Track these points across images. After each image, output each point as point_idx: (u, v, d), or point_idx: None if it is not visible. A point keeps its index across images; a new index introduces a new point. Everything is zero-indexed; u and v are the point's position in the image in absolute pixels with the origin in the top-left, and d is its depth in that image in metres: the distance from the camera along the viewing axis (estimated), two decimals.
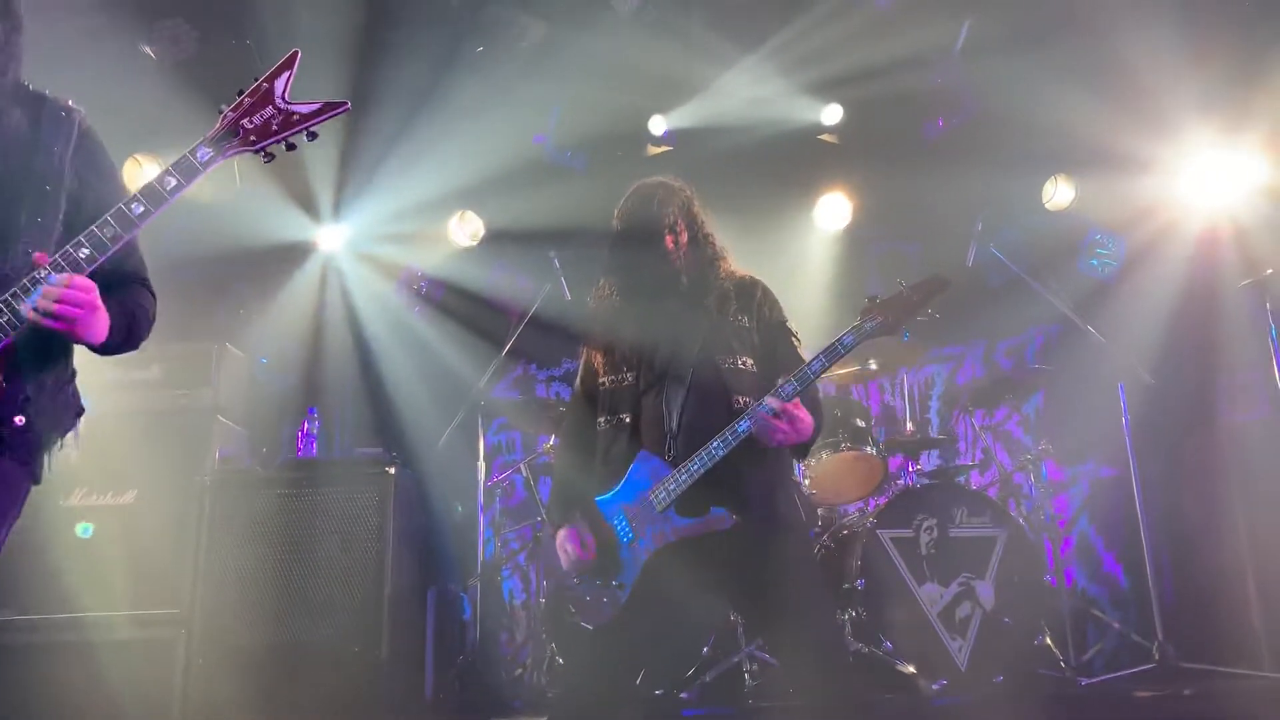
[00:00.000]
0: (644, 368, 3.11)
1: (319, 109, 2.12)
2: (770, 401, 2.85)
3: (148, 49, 5.03)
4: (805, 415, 2.91)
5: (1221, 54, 5.05)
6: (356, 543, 4.44)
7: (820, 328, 4.70)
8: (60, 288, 1.91)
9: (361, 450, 5.43)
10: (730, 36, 5.38)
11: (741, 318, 3.11)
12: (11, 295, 1.91)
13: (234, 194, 5.52)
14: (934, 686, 4.20)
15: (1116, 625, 5.08)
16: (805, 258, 6.28)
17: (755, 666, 4.23)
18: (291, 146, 2.13)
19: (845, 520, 4.88)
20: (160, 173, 2.06)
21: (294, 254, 6.25)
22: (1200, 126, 5.35)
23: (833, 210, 6.26)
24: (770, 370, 3.03)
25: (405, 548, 4.60)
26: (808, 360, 2.99)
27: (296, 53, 2.14)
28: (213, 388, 4.71)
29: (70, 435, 2.17)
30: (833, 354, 2.93)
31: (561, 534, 3.13)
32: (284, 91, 2.10)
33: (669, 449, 3.03)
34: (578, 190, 5.81)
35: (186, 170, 2.05)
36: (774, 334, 3.14)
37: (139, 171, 5.21)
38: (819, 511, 5.02)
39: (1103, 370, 5.21)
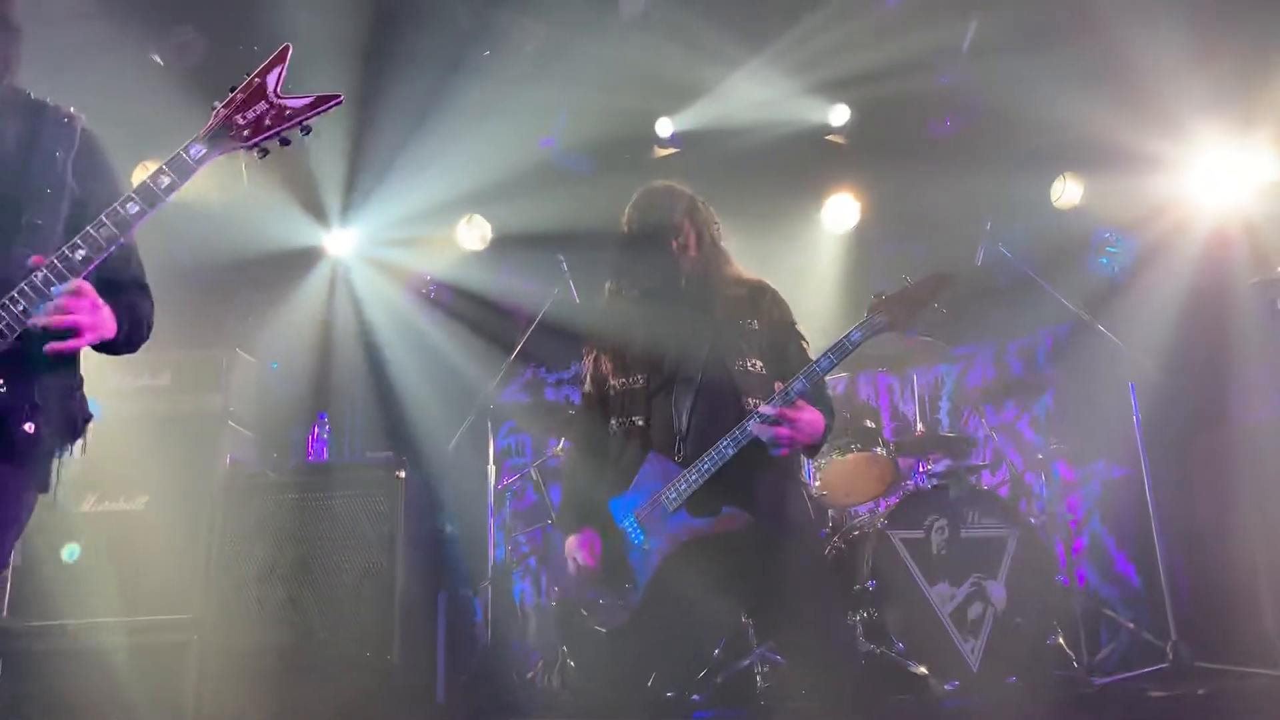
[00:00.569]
0: (654, 370, 3.11)
1: (311, 102, 2.11)
2: (764, 409, 2.85)
3: (156, 56, 5.05)
4: (811, 415, 2.91)
5: (1230, 51, 5.03)
6: (367, 546, 4.43)
7: (828, 329, 4.68)
8: (64, 297, 1.92)
9: (372, 454, 5.42)
10: (736, 38, 5.38)
11: (750, 320, 3.12)
12: (9, 299, 1.92)
13: (243, 200, 5.54)
14: (946, 687, 4.18)
15: (1129, 625, 5.06)
16: (813, 259, 6.28)
17: (767, 668, 4.22)
18: (286, 142, 2.12)
19: (856, 521, 4.87)
20: (154, 171, 2.05)
21: (303, 259, 6.27)
22: (1209, 124, 5.33)
23: (840, 211, 6.26)
24: (779, 371, 3.03)
25: (416, 551, 4.60)
26: (813, 359, 2.99)
27: (288, 47, 2.13)
28: (223, 393, 4.71)
29: (79, 443, 2.18)
30: (840, 351, 2.93)
31: (571, 541, 3.13)
32: (276, 86, 2.09)
33: (679, 450, 3.03)
34: (585, 193, 5.80)
35: (180, 168, 2.05)
36: (782, 335, 3.14)
37: (121, 170, 5.22)
38: (829, 513, 5.01)
39: (1113, 369, 5.19)
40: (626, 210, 3.25)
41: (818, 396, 3.00)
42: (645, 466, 3.06)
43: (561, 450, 5.56)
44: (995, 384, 6.07)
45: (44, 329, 1.93)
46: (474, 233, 6.41)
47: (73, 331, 1.95)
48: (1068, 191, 5.93)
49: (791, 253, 6.15)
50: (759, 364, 3.08)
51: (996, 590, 4.36)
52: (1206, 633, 4.80)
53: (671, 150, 6.12)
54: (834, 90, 5.80)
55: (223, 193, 5.27)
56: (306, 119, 2.11)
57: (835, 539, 4.76)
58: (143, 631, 4.22)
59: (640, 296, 3.18)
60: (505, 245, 6.41)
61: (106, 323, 2.01)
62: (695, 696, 4.19)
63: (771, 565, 2.91)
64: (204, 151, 2.06)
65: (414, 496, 4.67)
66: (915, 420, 5.31)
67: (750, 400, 2.98)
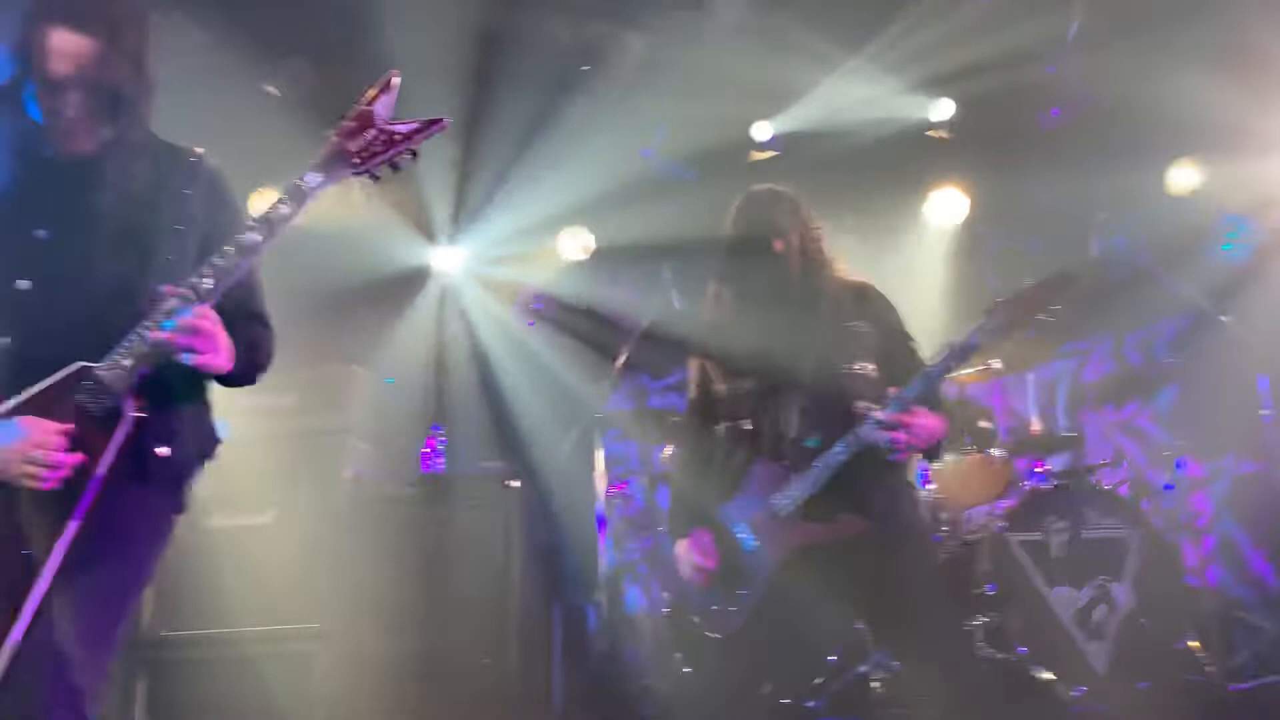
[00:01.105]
0: (760, 374, 3.11)
1: (418, 127, 2.14)
2: (879, 414, 2.82)
3: (270, 87, 5.26)
4: (929, 420, 2.86)
5: None
6: (483, 555, 4.54)
7: (937, 328, 4.60)
8: (192, 322, 2.01)
9: (484, 465, 5.54)
10: (833, 38, 5.34)
11: (858, 322, 3.09)
12: (144, 327, 2.02)
13: (357, 223, 5.72)
14: (1072, 693, 4.07)
15: (1267, 627, 4.83)
16: (918, 257, 6.17)
17: (883, 675, 4.17)
18: (396, 167, 2.17)
19: (972, 524, 4.77)
20: (274, 201, 2.12)
21: (414, 278, 6.44)
22: None
23: (945, 207, 6.14)
24: (890, 375, 2.99)
25: (530, 559, 4.69)
26: (929, 363, 2.95)
27: (393, 73, 2.19)
28: (343, 410, 4.86)
29: (209, 464, 2.29)
30: (957, 354, 2.88)
31: (682, 545, 3.15)
32: (385, 112, 2.15)
33: (788, 455, 3.02)
34: (685, 200, 5.82)
35: (296, 196, 2.11)
36: (892, 338, 3.11)
37: (263, 203, 5.43)
38: (943, 516, 4.92)
39: (1238, 360, 4.98)
40: (729, 215, 3.25)
41: (934, 401, 2.95)
42: (754, 472, 3.06)
43: (668, 457, 5.59)
44: (1113, 379, 5.88)
45: (170, 352, 2.02)
46: (576, 244, 6.49)
47: (193, 348, 2.03)
48: (1184, 177, 5.71)
49: (896, 252, 6.06)
50: (870, 367, 3.04)
51: (1121, 592, 4.22)
52: None
53: (770, 154, 6.10)
54: (936, 85, 5.70)
55: (337, 217, 5.45)
56: (414, 143, 2.15)
57: (950, 542, 4.68)
58: (273, 641, 4.39)
59: (745, 301, 3.18)
60: (607, 255, 6.48)
61: (225, 351, 2.09)
62: (810, 703, 4.16)
63: (887, 571, 2.87)
64: (319, 180, 2.12)
65: (526, 505, 4.76)
66: (1031, 419, 5.18)
67: (861, 404, 2.95)
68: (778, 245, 3.12)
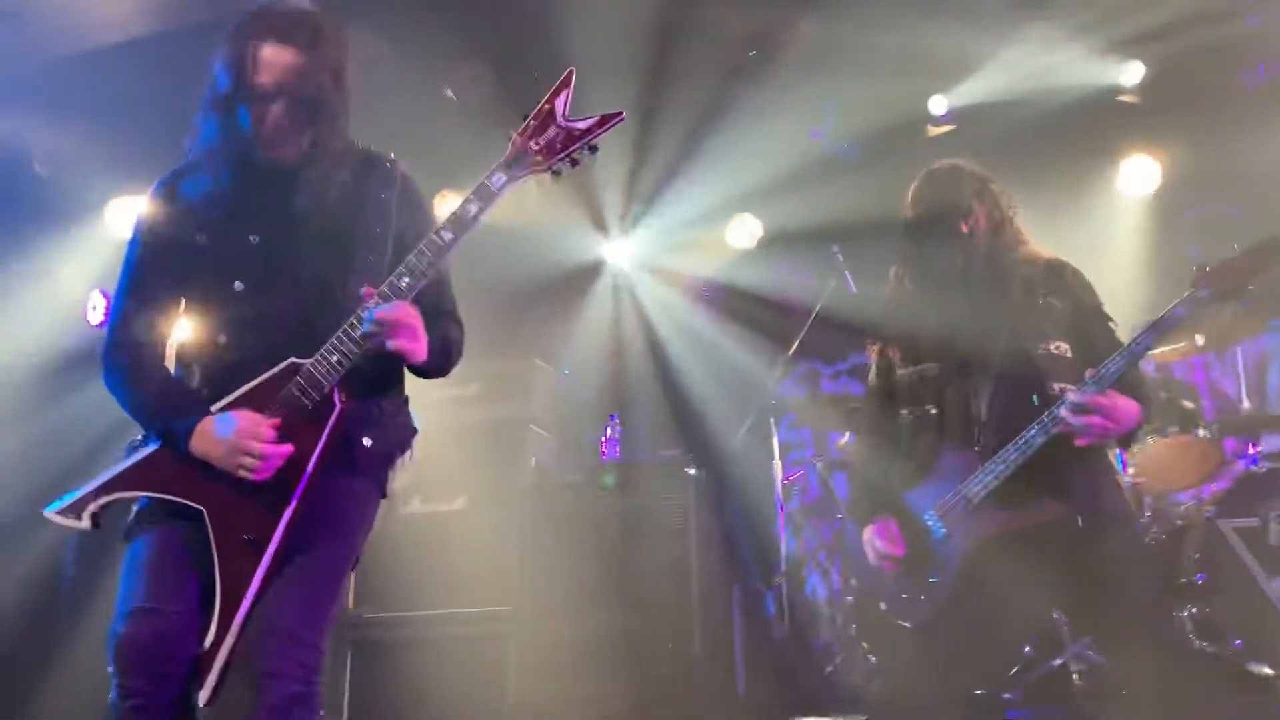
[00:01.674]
0: (946, 357, 3.02)
1: (597, 122, 2.21)
2: (1075, 396, 2.69)
3: (449, 92, 5.45)
4: (1126, 404, 2.72)
5: None
6: (662, 541, 4.59)
7: (1133, 304, 4.36)
8: (389, 314, 2.12)
9: (661, 452, 5.60)
10: (1013, 3, 5.12)
11: (1051, 300, 2.96)
12: (349, 326, 2.14)
13: (534, 219, 5.88)
14: None
15: None
16: (1110, 229, 5.84)
17: (1084, 666, 3.98)
18: (575, 162, 2.24)
19: (1177, 510, 4.50)
20: (463, 201, 2.22)
21: (589, 270, 6.57)
22: None
23: (1139, 175, 5.80)
24: (1086, 355, 2.85)
25: (708, 545, 4.71)
26: (1127, 342, 2.79)
27: (572, 71, 2.25)
28: (525, 400, 5.03)
29: (408, 454, 2.40)
30: (1161, 328, 2.72)
31: (868, 531, 3.09)
32: (564, 110, 2.22)
33: (978, 440, 2.93)
34: (858, 181, 5.71)
35: (484, 196, 2.21)
36: (1088, 316, 2.96)
37: (446, 206, 5.65)
38: (1146, 500, 4.66)
39: None
40: (909, 193, 3.16)
41: (1134, 381, 2.80)
42: (943, 457, 2.98)
43: (846, 443, 5.50)
44: None
45: (373, 343, 2.13)
46: (744, 231, 6.47)
47: (395, 336, 2.13)
48: None
49: (1086, 225, 5.75)
50: (1064, 346, 2.91)
51: None
52: None
53: (947, 128, 5.91)
54: (1125, 47, 5.39)
55: (515, 214, 5.61)
56: (593, 138, 2.22)
57: (1154, 529, 4.43)
58: (465, 623, 4.58)
59: (929, 283, 3.09)
60: (776, 241, 6.43)
61: (423, 340, 2.19)
62: (1007, 695, 4.02)
63: (1088, 558, 2.75)
64: (504, 179, 2.21)
65: (703, 492, 4.79)
66: (1240, 397, 4.84)
67: (1056, 386, 2.82)
68: (962, 223, 3.01)
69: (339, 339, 2.14)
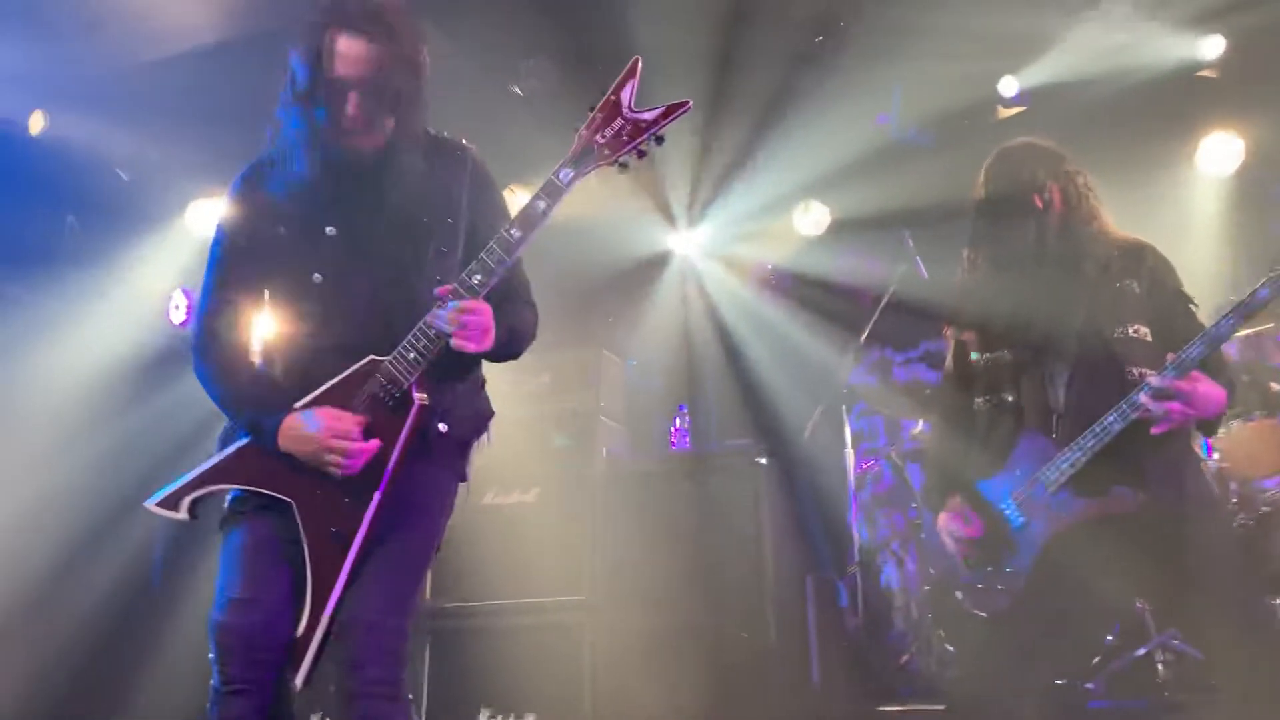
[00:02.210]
0: (1022, 343, 2.97)
1: (663, 112, 2.19)
2: (1153, 381, 2.62)
3: (515, 87, 5.50)
4: (1209, 388, 2.64)
5: None
6: (735, 531, 4.59)
7: (1217, 284, 4.25)
8: (459, 312, 2.14)
9: (731, 442, 5.60)
10: None
11: (1129, 282, 2.89)
12: (424, 324, 2.17)
13: (600, 211, 5.90)
14: None
15: None
16: (1190, 208, 5.68)
17: (1169, 656, 3.89)
18: (642, 154, 2.22)
19: (1266, 496, 4.37)
20: (531, 198, 2.22)
21: (656, 261, 6.59)
22: None
23: (1220, 152, 5.63)
24: (1167, 339, 2.79)
25: (780, 535, 4.70)
26: (1210, 323, 2.72)
27: (638, 60, 2.23)
28: (594, 391, 5.05)
29: (484, 437, 2.43)
30: (1245, 311, 2.64)
31: (943, 517, 3.06)
32: (630, 101, 2.21)
33: (1055, 427, 2.88)
34: (926, 165, 5.64)
35: (552, 192, 2.21)
36: (1169, 301, 2.89)
37: (513, 200, 5.70)
38: (1232, 487, 4.53)
39: None
40: (982, 173, 3.11)
41: (1216, 366, 2.72)
42: (1020, 445, 2.93)
43: (920, 431, 5.44)
44: None
45: (444, 340, 2.17)
46: (811, 219, 6.43)
47: (466, 337, 2.16)
48: None
49: (1166, 205, 5.60)
50: (1143, 330, 2.85)
51: None
52: None
53: (1017, 109, 5.79)
54: (1203, 21, 5.23)
55: (583, 206, 5.65)
56: (659, 129, 2.20)
57: (1241, 516, 4.30)
58: (540, 612, 4.63)
59: (1002, 264, 3.04)
60: (845, 228, 6.38)
61: (490, 337, 2.21)
62: (1088, 685, 3.95)
63: (1174, 546, 2.70)
64: (572, 174, 2.21)
65: (774, 482, 4.77)
66: None
67: (1135, 370, 2.76)
68: (1037, 202, 2.95)
69: (415, 336, 2.18)
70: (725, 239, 6.53)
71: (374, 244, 2.31)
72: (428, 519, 2.30)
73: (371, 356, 2.20)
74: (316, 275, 2.29)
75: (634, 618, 4.53)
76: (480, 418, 2.41)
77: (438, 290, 2.17)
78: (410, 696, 2.18)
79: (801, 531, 5.26)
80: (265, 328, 2.39)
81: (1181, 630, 3.46)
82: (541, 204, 2.20)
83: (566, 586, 4.63)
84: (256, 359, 2.37)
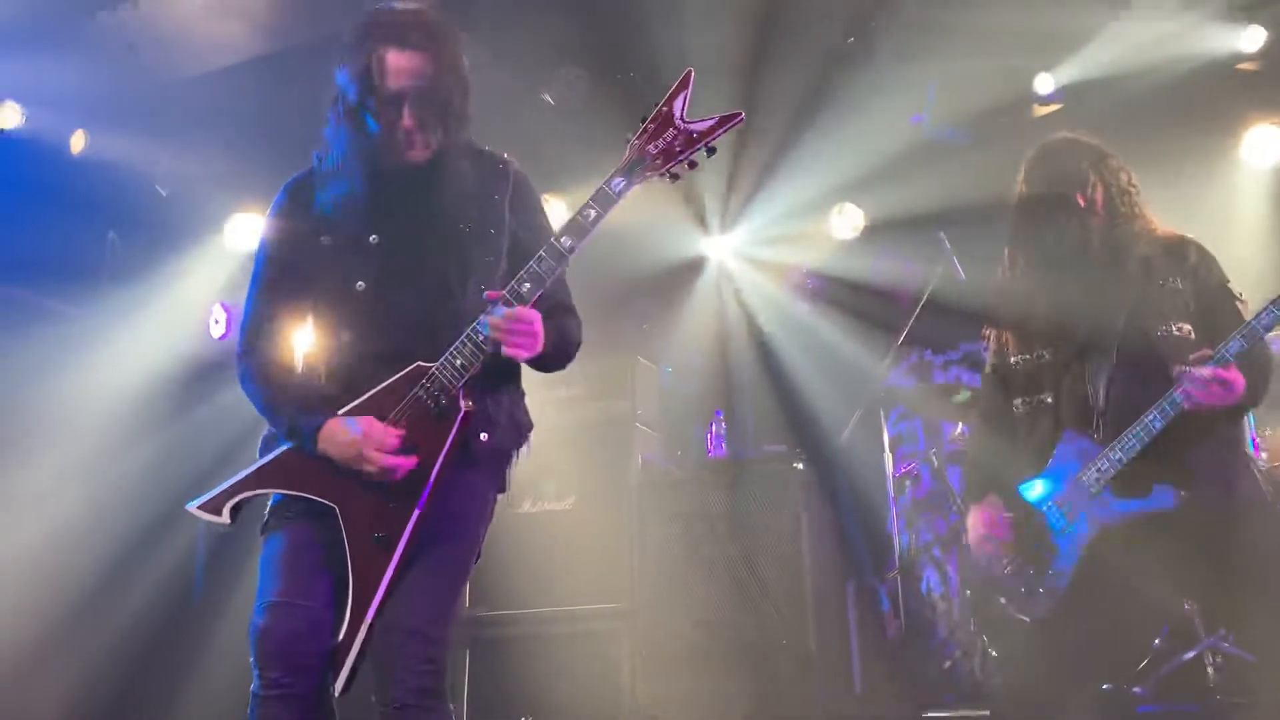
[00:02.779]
0: (1062, 342, 2.92)
1: (715, 124, 2.19)
2: (1195, 372, 2.57)
3: (547, 96, 5.51)
4: (1235, 376, 2.59)
5: None
6: (773, 537, 4.56)
7: (1261, 278, 4.16)
8: (509, 319, 2.14)
9: (768, 447, 5.57)
10: None
11: (1173, 280, 2.84)
12: (473, 331, 2.18)
13: (632, 216, 5.90)
14: None
15: None
16: (1234, 202, 5.58)
17: (1220, 659, 3.81)
18: (693, 165, 2.22)
19: None
20: (580, 207, 2.21)
21: (690, 266, 6.57)
22: None
23: (1263, 145, 5.53)
24: (1211, 336, 2.73)
25: (820, 541, 4.66)
26: (1252, 317, 2.66)
27: (690, 72, 2.23)
28: (630, 398, 5.05)
29: (524, 448, 2.43)
30: None
31: (972, 513, 3.02)
32: (682, 111, 2.20)
33: (1096, 427, 2.83)
34: (961, 165, 5.58)
35: (604, 201, 2.20)
36: (1214, 298, 2.83)
37: (548, 209, 5.71)
38: None
39: None
40: (1022, 170, 3.06)
41: (1256, 361, 2.66)
42: (1060, 446, 2.88)
43: (960, 435, 5.38)
44: None
45: (492, 345, 2.17)
46: (846, 222, 6.39)
47: (516, 344, 2.16)
48: None
49: (1208, 199, 5.51)
50: (1187, 328, 2.79)
51: None
52: None
53: (1054, 107, 5.72)
54: (1243, 12, 5.14)
55: (616, 212, 5.66)
56: (712, 140, 2.20)
57: None
58: (580, 620, 4.63)
59: (1044, 263, 2.99)
60: (879, 230, 6.33)
61: (539, 345, 2.21)
62: (1136, 689, 3.88)
63: (1222, 546, 2.64)
64: (623, 183, 2.20)
65: (813, 487, 4.74)
66: None
67: (1178, 369, 2.71)
68: (1079, 197, 2.91)
69: (462, 343, 2.18)
70: (759, 243, 6.50)
71: (418, 253, 2.32)
72: (469, 527, 2.30)
73: (418, 363, 2.21)
74: (360, 283, 2.30)
75: (672, 625, 4.51)
76: (520, 428, 2.41)
77: (488, 294, 2.17)
78: (450, 705, 2.18)
79: (841, 537, 5.22)
80: (309, 336, 2.41)
81: (1234, 633, 3.39)
82: (592, 212, 2.20)
83: (604, 594, 4.63)
84: (299, 365, 2.39)
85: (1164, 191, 3.57)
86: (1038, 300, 2.99)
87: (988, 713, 3.91)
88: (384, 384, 2.22)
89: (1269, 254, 5.20)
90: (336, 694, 2.10)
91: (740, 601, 4.49)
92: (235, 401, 2.41)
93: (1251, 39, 5.29)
